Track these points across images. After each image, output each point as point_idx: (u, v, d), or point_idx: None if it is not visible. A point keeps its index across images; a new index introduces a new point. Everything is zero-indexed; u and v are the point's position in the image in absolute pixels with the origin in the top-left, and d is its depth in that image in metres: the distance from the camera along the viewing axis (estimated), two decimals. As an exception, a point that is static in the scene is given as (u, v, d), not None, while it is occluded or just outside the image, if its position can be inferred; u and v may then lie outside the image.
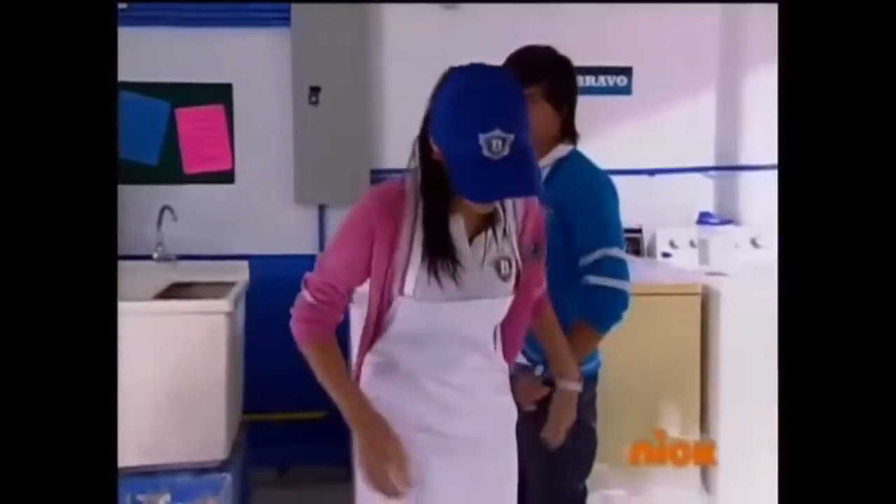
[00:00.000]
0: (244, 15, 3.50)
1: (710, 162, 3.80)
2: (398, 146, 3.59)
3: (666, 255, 3.52)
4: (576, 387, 1.67)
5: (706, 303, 2.91)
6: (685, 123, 3.73)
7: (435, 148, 1.37)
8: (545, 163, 1.83)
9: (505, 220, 1.47)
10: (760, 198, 3.74)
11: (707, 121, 3.80)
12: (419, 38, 3.54)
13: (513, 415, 1.60)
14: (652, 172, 3.59)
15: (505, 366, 1.59)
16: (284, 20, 3.48)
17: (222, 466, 2.64)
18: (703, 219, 3.68)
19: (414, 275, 1.42)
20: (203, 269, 3.37)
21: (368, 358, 1.55)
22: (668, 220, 3.62)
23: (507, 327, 1.56)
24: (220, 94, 3.52)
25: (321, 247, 3.60)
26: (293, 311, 1.55)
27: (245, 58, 3.54)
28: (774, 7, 4.24)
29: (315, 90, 3.49)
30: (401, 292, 1.43)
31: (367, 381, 1.55)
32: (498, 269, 1.47)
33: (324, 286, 1.49)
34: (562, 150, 1.88)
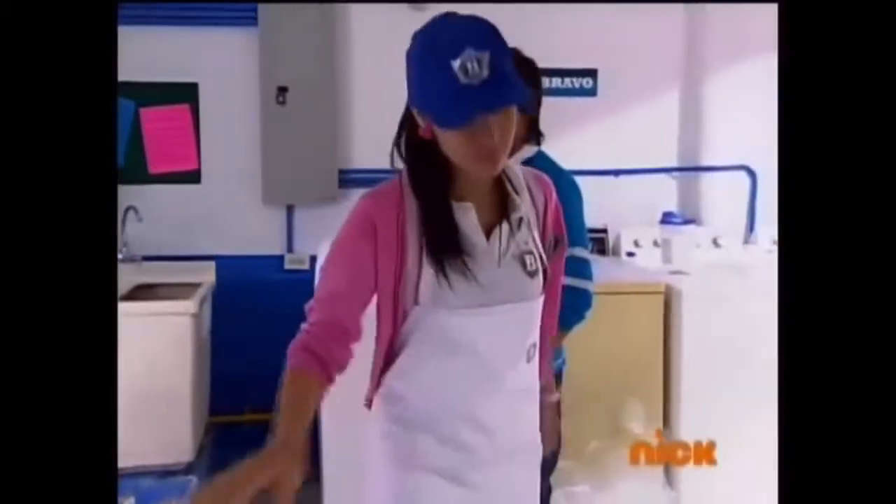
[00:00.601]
0: (211, 14, 3.47)
1: (674, 163, 3.87)
2: (366, 146, 3.69)
3: (630, 254, 3.58)
4: (557, 396, 1.62)
5: (669, 301, 2.96)
6: (649, 125, 3.79)
7: (421, 121, 1.21)
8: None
9: (524, 213, 1.29)
10: (722, 198, 3.83)
11: (670, 122, 3.86)
12: (386, 38, 3.52)
13: (541, 454, 1.40)
14: (617, 173, 3.64)
15: (537, 389, 1.38)
16: (251, 20, 3.46)
17: (188, 469, 2.62)
18: (667, 219, 3.74)
19: (427, 278, 1.22)
20: (169, 270, 3.34)
21: (382, 387, 1.33)
22: (633, 219, 3.68)
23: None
24: (186, 94, 3.48)
25: (289, 247, 3.58)
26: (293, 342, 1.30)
27: (211, 57, 3.50)
28: (736, 8, 4.31)
29: (282, 90, 3.47)
30: (415, 301, 1.24)
31: (379, 413, 1.34)
32: (523, 264, 1.26)
33: (324, 321, 1.25)
34: (527, 151, 1.91)
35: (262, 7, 3.44)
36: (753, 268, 3.28)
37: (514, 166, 1.35)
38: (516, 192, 1.30)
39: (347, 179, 3.59)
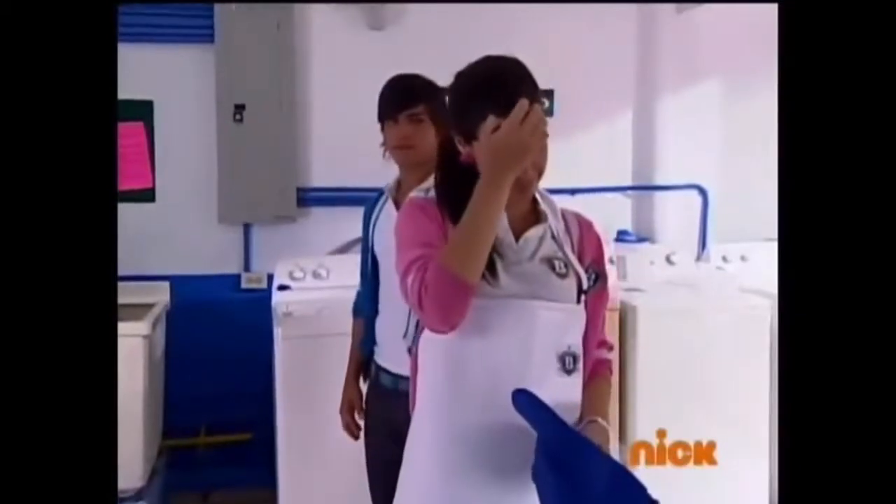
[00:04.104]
0: (165, 31, 3.42)
1: (628, 182, 3.94)
2: (325, 164, 3.67)
3: (586, 271, 3.61)
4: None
5: (624, 317, 3.00)
6: (604, 144, 3.85)
7: (462, 148, 1.32)
8: (426, 184, 1.87)
9: (553, 226, 1.36)
10: (675, 216, 3.91)
11: (625, 142, 3.93)
12: (346, 56, 3.54)
13: None
14: (573, 192, 3.69)
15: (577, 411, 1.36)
16: (208, 36, 3.42)
17: (138, 495, 2.55)
18: (621, 236, 3.79)
19: None
20: (121, 290, 3.21)
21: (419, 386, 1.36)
22: (589, 237, 3.72)
23: None
24: (140, 111, 3.42)
25: (246, 266, 3.53)
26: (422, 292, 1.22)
27: (166, 74, 3.45)
28: (688, 28, 4.40)
29: (239, 107, 3.44)
30: None
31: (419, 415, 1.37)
32: (552, 266, 1.32)
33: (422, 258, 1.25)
34: None
35: (218, 23, 3.41)
36: (706, 284, 3.35)
37: (549, 196, 1.42)
38: (549, 212, 1.38)
39: (306, 198, 3.56)
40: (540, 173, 1.33)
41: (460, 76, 1.35)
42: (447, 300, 1.19)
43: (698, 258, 3.86)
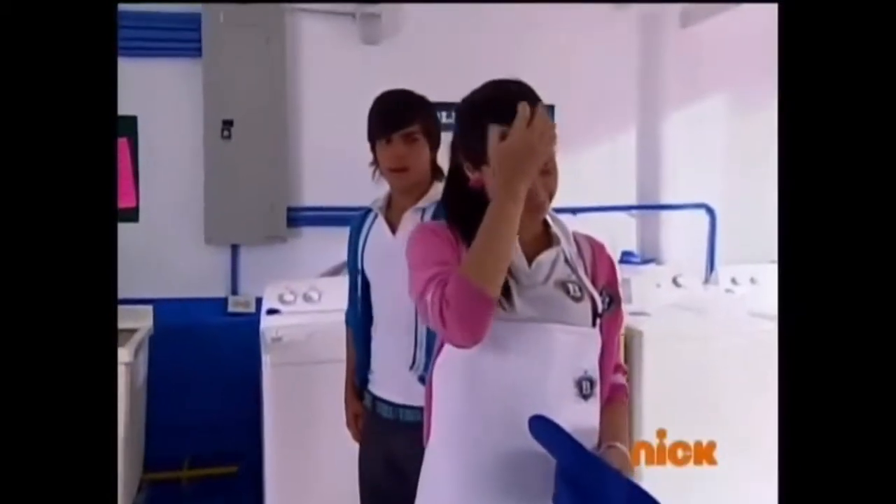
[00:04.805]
0: (151, 44, 3.46)
1: (633, 201, 3.98)
2: (317, 183, 3.69)
3: (590, 294, 3.63)
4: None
5: (629, 342, 3.01)
6: (608, 162, 3.89)
7: (471, 174, 1.35)
8: (423, 204, 1.87)
9: (566, 250, 1.40)
10: (681, 237, 3.94)
11: (629, 159, 3.97)
12: (338, 72, 3.59)
13: None
14: (575, 211, 3.71)
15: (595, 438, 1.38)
16: (195, 50, 3.46)
17: (120, 530, 2.53)
18: (626, 258, 3.82)
19: None
20: (102, 313, 3.26)
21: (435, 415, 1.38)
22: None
23: None
24: (124, 127, 3.44)
25: (233, 290, 3.54)
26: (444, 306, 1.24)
27: (152, 89, 3.48)
28: (693, 45, 4.46)
29: (228, 123, 3.47)
30: None
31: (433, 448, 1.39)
32: (566, 290, 1.35)
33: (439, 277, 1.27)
34: (439, 188, 1.92)
35: (206, 36, 3.45)
36: (714, 307, 3.37)
37: (560, 220, 1.46)
38: (561, 235, 1.41)
39: (297, 218, 3.59)
40: (551, 196, 1.36)
41: (465, 101, 1.39)
42: (470, 311, 1.21)
43: (706, 280, 3.88)
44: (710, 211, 3.98)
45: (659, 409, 2.94)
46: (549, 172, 1.34)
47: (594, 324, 1.38)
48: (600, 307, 1.39)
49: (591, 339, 1.37)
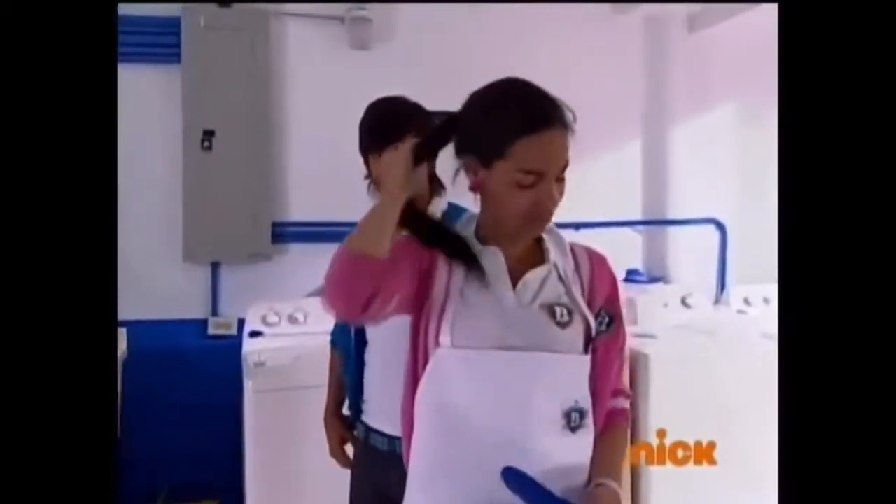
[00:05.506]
0: (126, 49, 3.44)
1: (638, 216, 3.97)
2: (303, 196, 3.67)
3: (593, 315, 3.62)
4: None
5: (634, 366, 2.99)
6: (611, 175, 3.88)
7: (472, 175, 1.34)
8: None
9: (560, 266, 1.38)
10: (690, 254, 3.94)
11: (634, 172, 3.97)
12: (326, 79, 3.58)
13: None
14: (577, 227, 3.71)
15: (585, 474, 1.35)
16: (174, 56, 3.46)
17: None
18: (632, 276, 3.81)
19: (450, 312, 1.30)
20: (73, 336, 3.24)
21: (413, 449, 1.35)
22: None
23: None
24: (97, 137, 3.44)
25: (214, 311, 3.52)
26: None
27: (127, 96, 3.41)
28: (699, 54, 4.47)
29: (208, 133, 3.46)
30: (437, 341, 1.30)
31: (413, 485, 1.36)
32: (553, 313, 1.32)
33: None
34: (439, 204, 1.91)
35: (185, 41, 3.44)
36: (726, 329, 3.36)
37: (557, 231, 1.43)
38: (557, 250, 1.39)
39: (282, 233, 3.57)
40: (555, 205, 1.33)
41: (478, 95, 1.36)
42: (341, 274, 1.26)
43: (717, 301, 3.88)
44: (721, 226, 3.98)
45: (669, 435, 2.92)
46: (560, 180, 1.34)
47: (587, 349, 1.35)
48: (595, 330, 1.36)
49: (582, 367, 1.34)
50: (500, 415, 1.27)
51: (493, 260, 1.34)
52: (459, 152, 1.35)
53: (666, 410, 2.94)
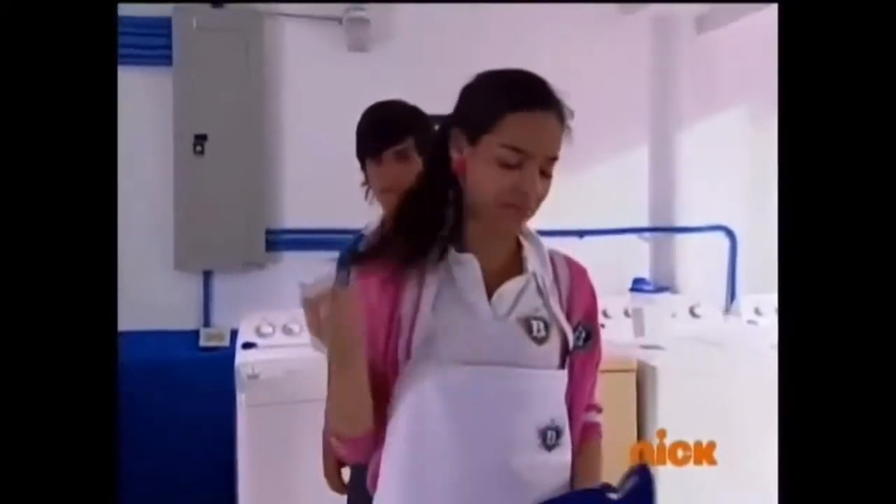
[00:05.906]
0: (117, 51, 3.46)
1: (645, 223, 3.97)
2: (298, 203, 3.67)
3: (599, 325, 3.62)
4: None
5: (641, 379, 2.99)
6: (617, 181, 3.88)
7: (457, 153, 1.31)
8: None
9: (539, 276, 1.35)
10: (698, 262, 3.93)
11: (640, 178, 3.97)
12: (322, 82, 3.59)
13: None
14: (582, 234, 3.71)
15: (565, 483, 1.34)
16: (165, 58, 3.46)
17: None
18: (638, 285, 3.79)
19: (420, 325, 1.27)
20: (59, 347, 3.24)
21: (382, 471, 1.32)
22: (600, 287, 3.71)
23: None
24: (86, 142, 3.44)
25: (206, 321, 3.51)
26: None
27: (118, 100, 3.48)
28: (707, 48, 4.49)
29: (200, 138, 3.46)
30: (407, 354, 1.27)
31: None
32: (529, 328, 1.30)
33: None
34: None
35: (177, 42, 3.44)
36: (736, 340, 3.36)
37: (536, 237, 1.41)
38: (537, 258, 1.37)
39: (276, 241, 3.57)
40: (539, 200, 1.30)
41: (482, 73, 1.35)
42: (336, 451, 1.39)
43: (726, 310, 3.87)
44: (731, 233, 3.98)
45: (666, 438, 2.91)
46: (546, 175, 1.29)
47: (563, 364, 1.34)
48: (572, 344, 1.35)
49: (558, 384, 1.33)
50: (472, 434, 1.26)
51: (469, 268, 1.31)
52: (450, 125, 1.33)
53: (674, 425, 2.93)
